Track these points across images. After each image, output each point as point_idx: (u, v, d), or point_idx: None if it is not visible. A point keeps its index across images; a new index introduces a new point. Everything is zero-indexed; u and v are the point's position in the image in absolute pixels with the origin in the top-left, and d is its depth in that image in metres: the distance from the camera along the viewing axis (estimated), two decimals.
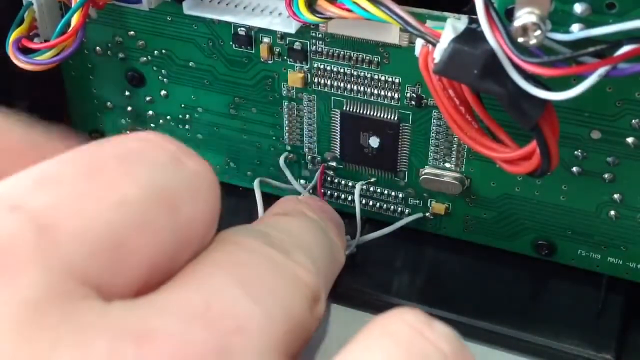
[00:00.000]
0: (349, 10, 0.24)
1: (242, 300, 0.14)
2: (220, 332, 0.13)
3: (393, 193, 0.31)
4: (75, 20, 0.26)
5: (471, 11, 0.21)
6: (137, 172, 0.14)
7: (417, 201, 0.31)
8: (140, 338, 0.12)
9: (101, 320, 0.12)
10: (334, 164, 0.32)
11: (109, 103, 0.34)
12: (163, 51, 0.32)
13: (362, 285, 0.30)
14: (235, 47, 0.30)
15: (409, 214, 0.32)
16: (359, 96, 0.29)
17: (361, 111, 0.30)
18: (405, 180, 0.31)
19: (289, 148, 0.32)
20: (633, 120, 0.25)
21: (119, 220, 0.13)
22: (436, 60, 0.21)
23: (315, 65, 0.29)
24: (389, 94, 0.29)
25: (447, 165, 0.30)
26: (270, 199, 0.32)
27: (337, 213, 0.25)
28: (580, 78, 0.20)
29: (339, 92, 0.30)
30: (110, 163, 0.14)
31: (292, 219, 0.19)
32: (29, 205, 0.13)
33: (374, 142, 0.30)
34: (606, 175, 0.27)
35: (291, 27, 0.27)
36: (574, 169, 0.27)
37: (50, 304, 0.12)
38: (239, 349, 0.13)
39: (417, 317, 0.14)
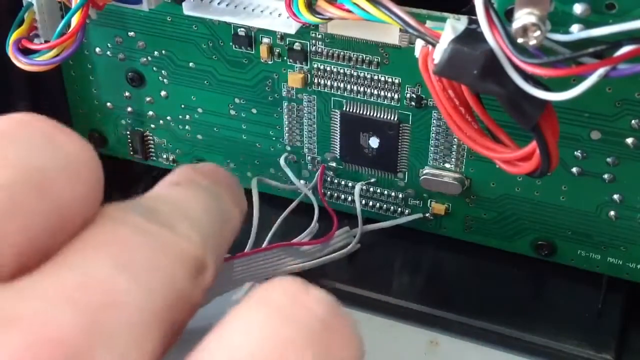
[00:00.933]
0: (348, 11, 0.24)
1: (118, 278, 0.14)
2: (91, 310, 0.13)
3: (393, 193, 0.31)
4: (75, 21, 0.26)
5: (471, 12, 0.21)
6: (6, 155, 0.14)
7: (417, 201, 0.31)
8: (7, 323, 0.12)
9: None
10: (334, 164, 0.32)
11: (109, 104, 0.34)
12: (163, 52, 0.32)
13: (362, 285, 0.30)
14: (235, 47, 0.30)
15: (409, 215, 0.32)
16: (359, 97, 0.29)
17: (361, 112, 0.30)
18: (405, 181, 0.31)
19: (288, 148, 0.32)
20: (633, 121, 0.25)
21: None
22: (436, 61, 0.21)
23: (315, 65, 0.29)
24: (389, 95, 0.29)
25: (447, 165, 0.30)
26: (269, 199, 0.33)
27: (232, 178, 0.26)
28: (580, 78, 0.20)
29: (339, 93, 0.30)
30: None
31: (182, 189, 0.19)
32: None
33: (374, 142, 0.30)
34: (606, 176, 0.27)
35: (291, 27, 0.27)
36: (574, 169, 0.27)
37: None
38: (112, 322, 0.13)
39: (294, 284, 0.14)
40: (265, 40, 0.29)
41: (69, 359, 0.12)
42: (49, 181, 0.14)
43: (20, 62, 0.27)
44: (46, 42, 0.28)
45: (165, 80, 0.32)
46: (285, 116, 0.31)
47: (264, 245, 0.30)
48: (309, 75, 0.30)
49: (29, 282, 0.13)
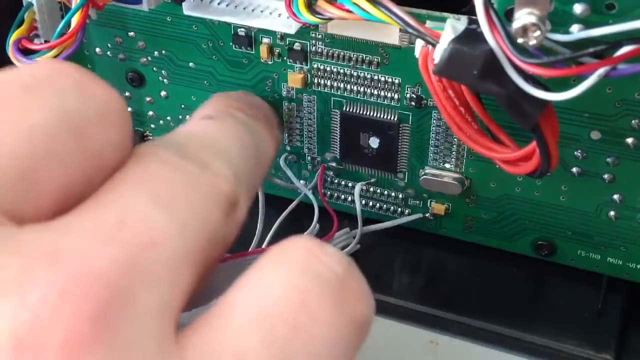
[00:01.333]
0: (348, 11, 0.24)
1: (155, 215, 0.14)
2: (131, 247, 0.13)
3: (393, 193, 0.31)
4: (75, 21, 0.27)
5: (471, 12, 0.21)
6: (43, 100, 0.14)
7: (417, 202, 0.31)
8: (51, 258, 0.12)
9: (13, 243, 0.12)
10: (334, 164, 0.32)
11: None
12: (163, 52, 0.32)
13: None
14: (235, 47, 0.30)
15: (409, 215, 0.32)
16: (359, 97, 0.29)
17: (361, 112, 0.30)
18: (405, 181, 0.31)
19: (288, 148, 0.32)
20: (633, 121, 0.25)
21: (25, 149, 0.13)
22: (436, 61, 0.21)
23: (315, 65, 0.29)
24: (389, 95, 0.29)
25: (447, 165, 0.30)
26: (269, 199, 0.33)
27: (268, 107, 0.25)
28: (580, 78, 0.20)
29: (339, 93, 0.30)
30: (17, 92, 0.14)
31: (215, 123, 0.19)
32: None
33: (374, 142, 0.30)
34: (606, 176, 0.27)
35: (291, 27, 0.27)
36: (574, 169, 0.27)
37: None
38: (151, 261, 0.13)
39: (312, 241, 0.15)
40: (265, 40, 0.29)
41: (111, 293, 0.12)
42: (84, 125, 0.14)
43: (21, 62, 0.27)
44: (46, 42, 0.28)
45: (165, 80, 0.32)
46: (285, 116, 0.31)
47: (264, 246, 0.30)
48: (309, 76, 0.30)
49: (69, 219, 0.13)
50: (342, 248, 0.31)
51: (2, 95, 0.14)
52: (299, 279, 0.14)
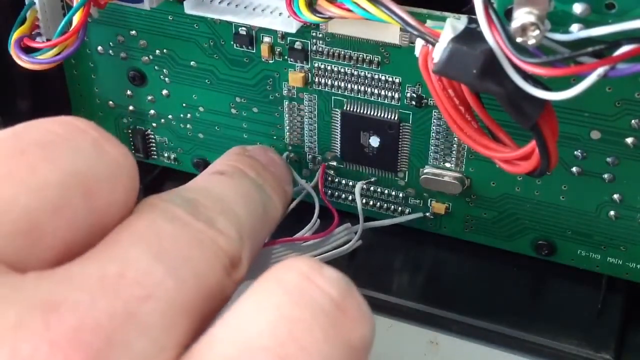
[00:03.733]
0: (349, 10, 0.24)
1: (155, 270, 0.14)
2: (127, 299, 0.13)
3: (393, 193, 0.32)
4: (77, 19, 0.27)
5: (471, 11, 0.21)
6: (57, 158, 0.15)
7: (418, 201, 0.31)
8: (48, 309, 0.13)
9: (12, 294, 0.13)
10: (334, 163, 0.32)
11: (110, 102, 0.34)
12: (164, 50, 0.32)
13: (362, 285, 0.30)
14: (236, 46, 0.30)
15: (409, 214, 0.32)
16: (359, 96, 0.29)
17: (362, 111, 0.30)
18: (406, 180, 0.31)
19: (289, 147, 0.32)
20: (633, 121, 0.25)
21: (34, 204, 0.14)
22: (435, 60, 0.21)
23: (316, 64, 0.29)
24: (390, 94, 0.29)
25: (447, 165, 0.30)
26: None
27: (281, 162, 0.25)
28: (579, 78, 0.20)
29: (339, 92, 0.30)
30: (32, 148, 0.14)
31: (225, 180, 0.20)
32: None
33: (375, 141, 0.30)
34: (606, 175, 0.27)
35: (292, 26, 0.27)
36: (574, 169, 0.27)
37: None
38: (146, 314, 0.13)
39: (308, 264, 0.15)
40: (266, 39, 0.30)
41: (106, 344, 0.13)
42: (94, 185, 0.15)
43: (22, 61, 0.27)
44: (48, 40, 0.28)
45: (166, 79, 0.32)
46: (286, 115, 0.31)
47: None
48: (309, 75, 0.30)
49: (71, 269, 0.14)
50: (344, 243, 0.31)
51: (19, 150, 0.14)
52: (288, 309, 0.14)
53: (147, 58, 0.32)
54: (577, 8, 0.21)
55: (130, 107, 0.34)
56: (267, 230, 0.21)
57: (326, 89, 0.30)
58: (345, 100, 0.30)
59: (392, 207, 0.32)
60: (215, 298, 0.15)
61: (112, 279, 0.14)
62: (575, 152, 0.27)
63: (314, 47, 0.29)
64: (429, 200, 0.31)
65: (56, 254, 0.14)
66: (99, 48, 0.33)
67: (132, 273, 0.14)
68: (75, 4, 0.26)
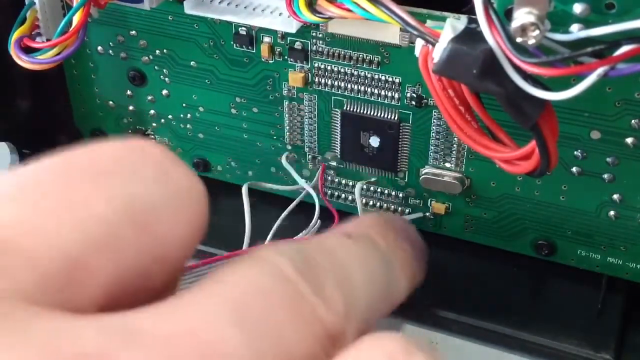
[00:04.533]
0: (349, 10, 0.24)
1: (231, 335, 0.13)
2: None
3: (393, 193, 0.32)
4: (77, 19, 0.27)
5: (471, 11, 0.21)
6: (112, 187, 0.13)
7: (418, 201, 0.31)
8: None
9: (48, 341, 0.11)
10: (334, 163, 0.32)
11: (111, 102, 0.34)
12: (164, 51, 0.32)
13: None
14: (236, 46, 0.30)
15: (409, 214, 0.32)
16: (359, 96, 0.29)
17: (361, 111, 0.30)
18: (406, 180, 0.31)
19: (289, 147, 0.32)
20: (632, 121, 0.25)
21: (80, 238, 0.12)
22: (435, 60, 0.21)
23: (316, 64, 0.29)
24: (390, 94, 0.29)
25: (447, 165, 0.30)
26: (271, 198, 0.33)
27: (419, 241, 0.24)
28: (580, 78, 0.20)
29: (339, 92, 0.30)
30: (87, 175, 0.13)
31: (351, 245, 0.18)
32: None
33: (375, 141, 0.30)
34: (606, 175, 0.27)
35: (292, 26, 0.27)
36: (574, 169, 0.27)
37: None
38: None
39: (398, 346, 0.13)
40: (266, 39, 0.30)
41: None
42: (151, 217, 0.13)
43: (22, 61, 0.27)
44: (48, 40, 0.28)
45: (166, 79, 0.32)
46: (286, 115, 0.31)
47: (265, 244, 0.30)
48: (309, 75, 0.30)
49: (131, 320, 0.12)
50: None
51: (73, 177, 0.13)
52: None
53: (147, 58, 0.32)
54: (577, 8, 0.21)
55: (130, 107, 0.34)
56: (386, 308, 0.18)
57: (326, 89, 0.30)
58: (345, 100, 0.30)
59: (392, 207, 0.32)
60: None
61: (179, 337, 0.12)
62: (575, 152, 0.27)
63: (314, 47, 0.29)
64: (429, 200, 0.31)
65: (103, 294, 0.13)
66: (99, 48, 0.33)
67: (205, 335, 0.12)
68: (75, 4, 0.26)
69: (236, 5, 0.28)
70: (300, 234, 0.30)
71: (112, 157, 0.14)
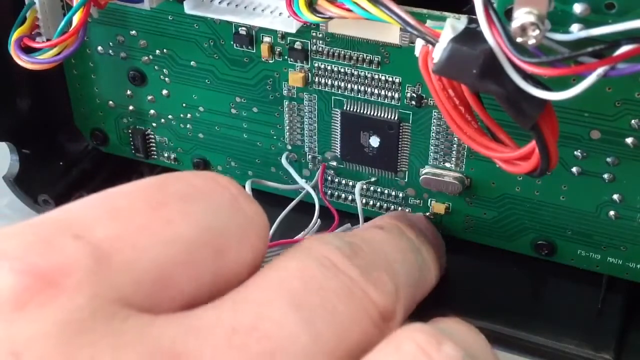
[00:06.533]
0: (349, 10, 0.24)
1: (290, 322, 0.14)
2: (253, 355, 0.13)
3: (393, 193, 0.32)
4: (77, 19, 0.27)
5: (471, 11, 0.21)
6: (194, 213, 0.15)
7: (417, 201, 0.31)
8: (171, 358, 0.13)
9: (137, 338, 0.13)
10: (334, 163, 0.32)
11: (111, 102, 0.34)
12: (164, 50, 0.32)
13: None
14: (236, 46, 0.30)
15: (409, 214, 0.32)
16: (359, 96, 0.29)
17: (361, 111, 0.30)
18: (406, 180, 0.31)
19: (289, 147, 0.32)
20: (632, 121, 0.25)
21: (167, 256, 0.14)
22: (435, 60, 0.21)
23: (316, 64, 0.29)
24: (390, 94, 0.29)
25: (447, 165, 0.30)
26: (270, 198, 0.33)
27: (439, 236, 0.25)
28: (580, 78, 0.20)
29: (339, 92, 0.30)
30: (173, 200, 0.15)
31: (385, 234, 0.19)
32: (92, 236, 0.14)
33: (375, 141, 0.30)
34: (606, 175, 0.27)
35: (292, 26, 0.27)
36: (574, 169, 0.27)
37: (92, 324, 0.13)
38: None
39: (428, 337, 0.14)
40: (266, 39, 0.30)
41: None
42: (224, 244, 0.15)
43: (22, 61, 0.27)
44: (48, 40, 0.28)
45: (166, 79, 0.32)
46: (286, 115, 0.31)
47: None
48: (309, 75, 0.30)
49: (203, 316, 0.14)
50: None
51: (161, 201, 0.15)
52: None
53: (147, 58, 0.32)
54: (577, 8, 0.21)
55: (130, 107, 0.34)
56: (420, 296, 0.20)
57: (326, 89, 0.30)
58: (345, 100, 0.30)
59: (392, 207, 0.32)
60: (356, 350, 0.15)
61: (243, 330, 0.13)
62: (575, 152, 0.27)
63: (314, 47, 0.29)
64: (429, 200, 0.31)
65: (181, 304, 0.14)
66: (99, 48, 0.33)
67: (265, 326, 0.14)
68: (75, 4, 0.26)
69: (236, 5, 0.28)
70: (300, 233, 0.30)
71: (192, 184, 0.15)
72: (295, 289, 0.14)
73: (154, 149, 0.35)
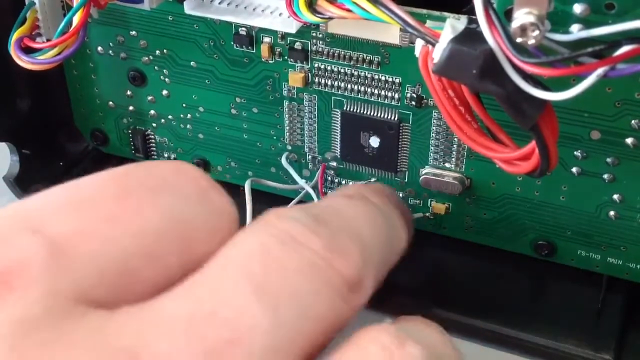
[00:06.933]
0: (349, 11, 0.24)
1: (250, 307, 0.13)
2: (213, 345, 0.13)
3: None
4: (77, 19, 0.27)
5: (471, 11, 0.21)
6: (162, 204, 0.14)
7: (418, 201, 0.31)
8: (128, 357, 0.12)
9: (94, 337, 0.12)
10: (334, 163, 0.32)
11: (111, 102, 0.34)
12: (164, 51, 0.32)
13: None
14: (236, 47, 0.30)
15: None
16: (359, 96, 0.29)
17: (361, 111, 0.30)
18: (406, 180, 0.31)
19: (289, 148, 0.32)
20: (632, 121, 0.25)
21: (132, 248, 0.14)
22: (435, 60, 0.21)
23: (316, 65, 0.29)
24: (390, 94, 0.29)
25: (447, 165, 0.30)
26: (270, 197, 0.33)
27: (402, 202, 0.24)
28: (580, 78, 0.20)
29: (339, 92, 0.30)
30: (139, 191, 0.14)
31: (351, 201, 0.19)
32: (50, 230, 0.13)
33: (375, 142, 0.30)
34: (606, 176, 0.27)
35: (292, 27, 0.27)
36: (574, 169, 0.27)
37: (47, 322, 0.12)
38: (232, 358, 0.13)
39: (391, 338, 0.14)
40: (266, 39, 0.30)
41: None
42: (192, 236, 0.14)
43: (22, 61, 0.27)
44: (48, 40, 0.28)
45: (166, 79, 0.32)
46: (286, 115, 0.31)
47: None
48: (309, 75, 0.30)
49: (161, 307, 0.13)
50: None
51: (126, 192, 0.14)
52: None
53: (147, 58, 0.32)
54: (577, 8, 0.21)
55: (130, 107, 0.34)
56: (390, 261, 0.19)
57: (326, 89, 0.30)
58: (345, 100, 0.30)
59: None
60: (323, 328, 0.14)
61: (201, 319, 0.13)
62: (575, 152, 0.27)
63: (314, 47, 0.29)
64: (429, 201, 0.31)
65: (145, 293, 0.14)
66: (99, 48, 0.33)
67: (224, 311, 0.13)
68: (75, 4, 0.26)
69: (236, 6, 0.28)
70: None
71: (160, 175, 0.15)
72: (254, 270, 0.14)
73: (154, 149, 0.35)
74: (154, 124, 0.34)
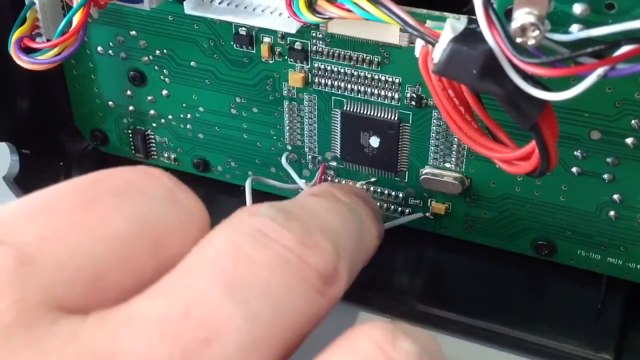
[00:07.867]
0: (349, 11, 0.24)
1: (223, 305, 0.13)
2: (187, 345, 0.13)
3: (393, 193, 0.32)
4: (77, 19, 0.27)
5: (471, 11, 0.21)
6: (130, 208, 0.14)
7: (417, 201, 0.31)
8: None
9: (67, 344, 0.12)
10: (334, 163, 0.32)
11: (110, 102, 0.34)
12: (164, 51, 0.32)
13: (362, 285, 0.30)
14: (236, 47, 0.30)
15: (409, 214, 0.32)
16: (359, 96, 0.29)
17: (361, 111, 0.30)
18: (406, 180, 0.31)
19: (289, 148, 0.32)
20: (632, 121, 0.25)
21: (102, 254, 0.13)
22: (435, 60, 0.21)
23: (316, 65, 0.29)
24: (390, 94, 0.29)
25: (447, 165, 0.30)
26: (270, 198, 0.33)
27: (374, 202, 0.25)
28: (580, 78, 0.20)
29: (339, 92, 0.30)
30: (106, 196, 0.14)
31: (320, 199, 0.19)
32: (17, 239, 0.13)
33: (375, 142, 0.30)
34: (606, 176, 0.27)
35: (292, 27, 0.27)
36: (574, 169, 0.27)
37: (18, 330, 0.12)
38: (207, 356, 0.13)
39: (384, 333, 0.14)
40: (266, 39, 0.30)
41: None
42: (163, 237, 0.14)
43: (22, 61, 0.28)
44: (48, 40, 0.28)
45: (166, 79, 0.32)
46: (286, 115, 0.31)
47: None
48: (309, 75, 0.30)
49: (133, 309, 0.13)
50: None
51: (93, 198, 0.14)
52: None
53: (147, 58, 0.32)
54: (577, 8, 0.21)
55: (130, 107, 0.34)
56: (364, 256, 0.19)
57: (326, 89, 0.30)
58: (345, 100, 0.30)
59: (392, 207, 0.32)
60: (301, 322, 0.14)
61: (175, 319, 0.13)
62: (575, 152, 0.27)
63: (314, 47, 0.29)
64: (429, 201, 0.31)
65: (118, 298, 0.14)
66: (99, 48, 0.33)
67: (198, 311, 0.13)
68: (75, 4, 0.26)
69: (236, 6, 0.28)
70: None
71: (125, 179, 0.15)
72: (225, 267, 0.14)
73: (154, 149, 0.35)
74: (154, 124, 0.34)
